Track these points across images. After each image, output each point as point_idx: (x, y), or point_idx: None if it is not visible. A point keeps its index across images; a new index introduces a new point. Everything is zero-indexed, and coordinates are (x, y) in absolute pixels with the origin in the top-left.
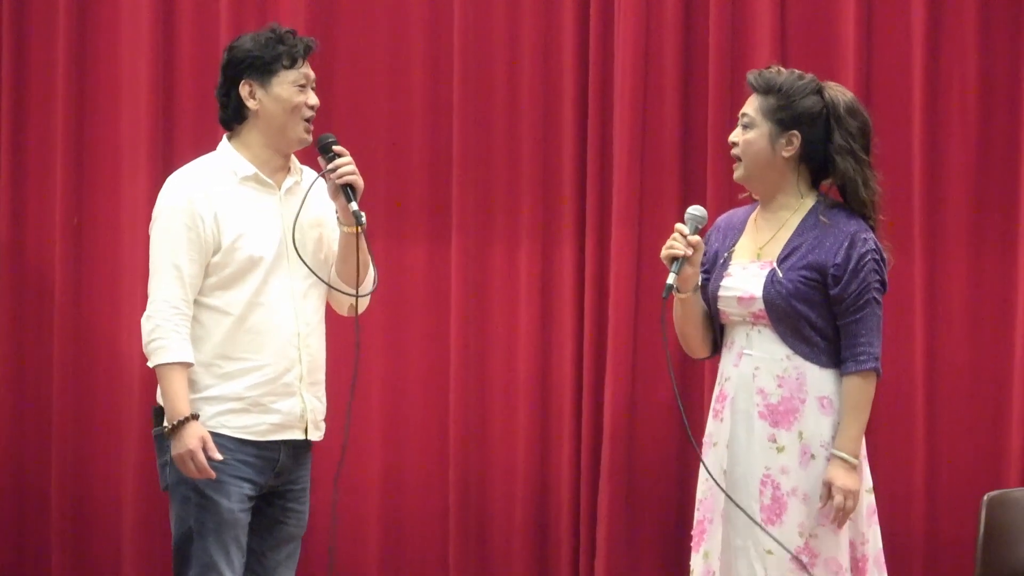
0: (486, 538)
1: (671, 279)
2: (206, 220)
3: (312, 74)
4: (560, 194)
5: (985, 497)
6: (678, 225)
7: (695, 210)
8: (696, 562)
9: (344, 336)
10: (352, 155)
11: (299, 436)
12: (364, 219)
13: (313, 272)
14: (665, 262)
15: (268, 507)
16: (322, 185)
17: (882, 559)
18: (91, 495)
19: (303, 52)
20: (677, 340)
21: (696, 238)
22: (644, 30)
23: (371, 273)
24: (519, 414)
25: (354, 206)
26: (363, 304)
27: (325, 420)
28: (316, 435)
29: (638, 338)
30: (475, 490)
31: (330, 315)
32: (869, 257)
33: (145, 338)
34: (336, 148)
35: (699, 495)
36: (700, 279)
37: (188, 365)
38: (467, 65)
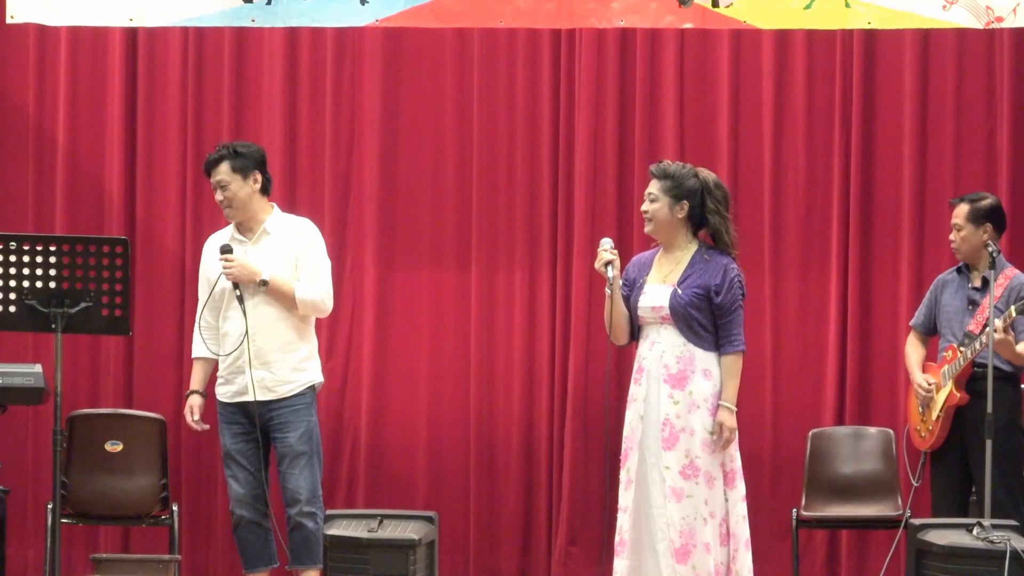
0: (493, 454)
1: (610, 276)
2: (206, 264)
3: (216, 179)
4: (540, 241)
5: (810, 432)
6: (600, 250)
7: (605, 240)
8: (622, 474)
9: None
10: (409, 217)
11: (251, 399)
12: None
13: (229, 304)
14: (600, 269)
15: (268, 438)
16: (276, 237)
17: (741, 471)
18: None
19: (206, 168)
20: (614, 328)
21: (615, 251)
22: (593, 143)
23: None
24: (515, 379)
25: (229, 284)
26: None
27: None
28: (269, 396)
29: (589, 332)
30: (487, 425)
31: (396, 318)
32: (736, 280)
33: None
34: (223, 256)
35: (625, 432)
36: (623, 292)
37: (200, 359)
38: (481, 164)
